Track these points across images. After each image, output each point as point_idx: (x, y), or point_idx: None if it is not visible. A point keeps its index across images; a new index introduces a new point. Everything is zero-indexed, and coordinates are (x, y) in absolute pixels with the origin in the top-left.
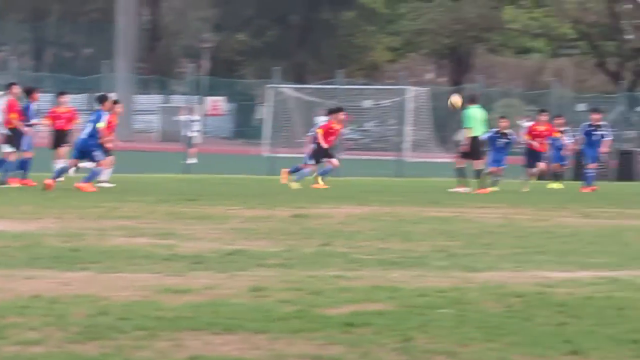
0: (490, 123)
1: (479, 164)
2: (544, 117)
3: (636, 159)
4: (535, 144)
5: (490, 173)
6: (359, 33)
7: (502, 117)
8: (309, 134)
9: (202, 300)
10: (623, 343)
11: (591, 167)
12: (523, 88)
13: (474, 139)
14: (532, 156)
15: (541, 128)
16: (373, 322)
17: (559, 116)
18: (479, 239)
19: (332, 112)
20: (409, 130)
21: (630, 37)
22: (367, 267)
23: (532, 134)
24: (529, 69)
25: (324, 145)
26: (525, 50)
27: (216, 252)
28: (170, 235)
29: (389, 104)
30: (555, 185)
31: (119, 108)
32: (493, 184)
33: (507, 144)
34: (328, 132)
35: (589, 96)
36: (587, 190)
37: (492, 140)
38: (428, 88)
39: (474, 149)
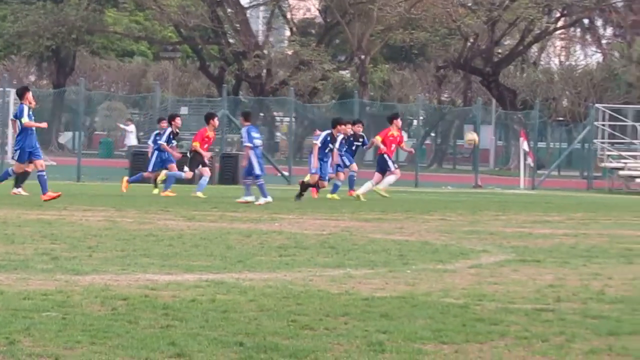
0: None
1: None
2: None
3: (240, 163)
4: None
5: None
6: None
7: (357, 122)
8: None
9: None
10: (228, 345)
11: None
12: (126, 91)
13: None
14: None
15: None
16: None
17: (161, 119)
18: (83, 241)
19: (207, 118)
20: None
21: (232, 41)
22: None
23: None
24: (132, 72)
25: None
26: (128, 53)
27: None
28: None
29: None
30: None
31: None
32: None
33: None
34: (204, 140)
35: (192, 99)
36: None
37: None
38: None
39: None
